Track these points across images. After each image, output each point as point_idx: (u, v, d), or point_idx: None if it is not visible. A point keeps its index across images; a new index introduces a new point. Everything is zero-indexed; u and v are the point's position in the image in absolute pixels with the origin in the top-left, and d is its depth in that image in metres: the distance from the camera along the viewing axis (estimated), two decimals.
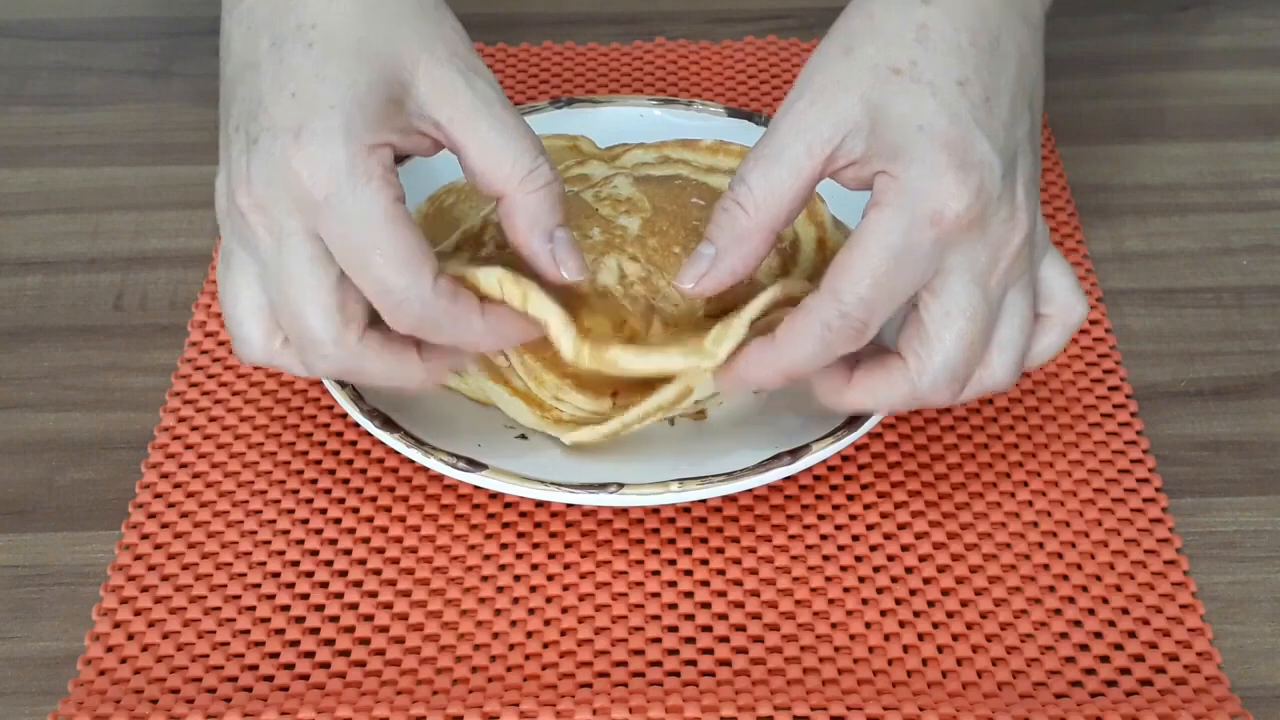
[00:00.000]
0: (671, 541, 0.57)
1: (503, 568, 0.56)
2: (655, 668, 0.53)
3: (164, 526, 0.57)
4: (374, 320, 0.51)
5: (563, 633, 0.54)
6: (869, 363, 0.52)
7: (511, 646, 0.53)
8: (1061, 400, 0.62)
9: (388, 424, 0.56)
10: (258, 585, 0.55)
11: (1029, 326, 0.52)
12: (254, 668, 0.53)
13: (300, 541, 0.57)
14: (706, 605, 0.55)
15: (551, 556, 0.56)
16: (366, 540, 0.57)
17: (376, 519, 0.58)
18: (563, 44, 0.83)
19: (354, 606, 0.55)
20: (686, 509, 0.58)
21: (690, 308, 0.57)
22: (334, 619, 0.54)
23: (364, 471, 0.59)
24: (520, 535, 0.57)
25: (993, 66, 0.49)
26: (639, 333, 0.56)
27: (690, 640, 0.54)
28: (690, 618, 0.54)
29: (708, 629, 0.54)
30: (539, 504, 0.58)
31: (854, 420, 0.56)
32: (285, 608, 0.55)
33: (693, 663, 0.53)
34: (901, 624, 0.54)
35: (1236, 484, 0.59)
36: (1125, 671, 0.53)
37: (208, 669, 0.53)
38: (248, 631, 0.54)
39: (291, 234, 0.49)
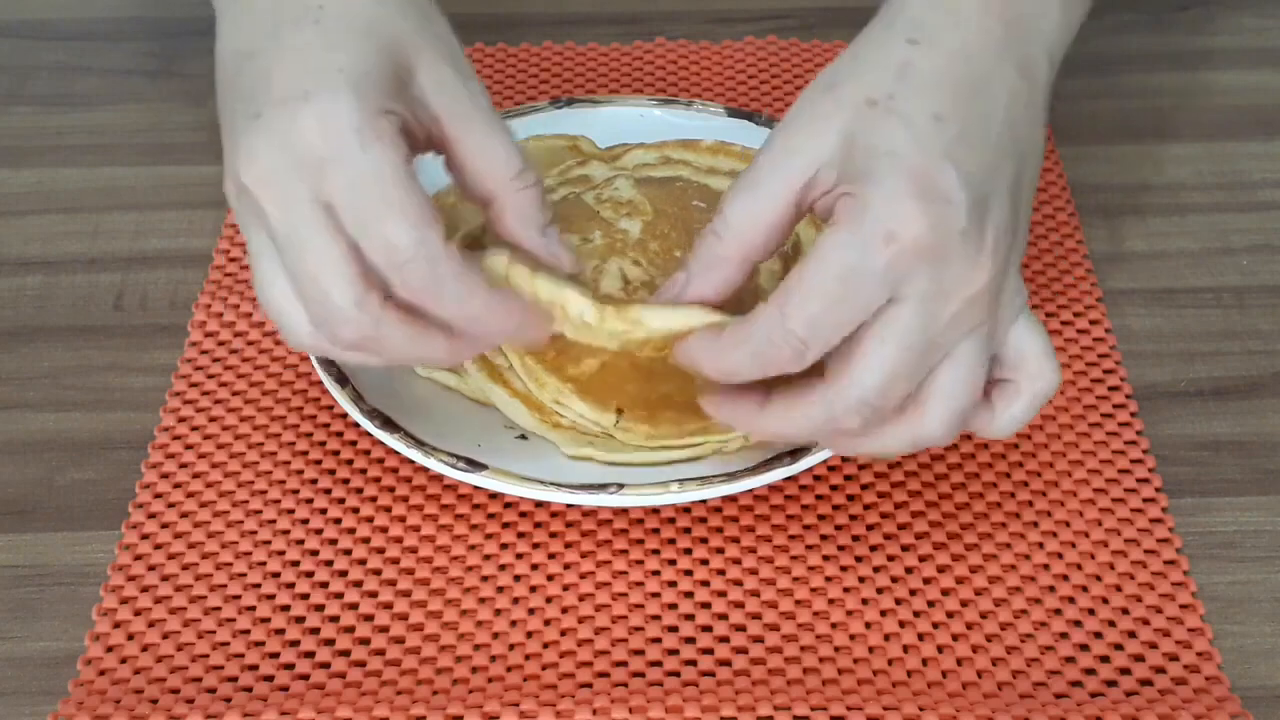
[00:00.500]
0: (671, 542, 0.57)
1: (503, 568, 0.56)
2: (655, 668, 0.53)
3: (164, 526, 0.57)
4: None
5: (563, 633, 0.54)
6: (792, 384, 0.49)
7: (511, 646, 0.53)
8: (1061, 400, 0.62)
9: (388, 424, 0.56)
10: (258, 585, 0.55)
11: (977, 382, 0.49)
12: (254, 668, 0.53)
13: (300, 541, 0.57)
14: (706, 605, 0.55)
15: (551, 556, 0.56)
16: (366, 540, 0.57)
17: (376, 519, 0.58)
18: (563, 44, 0.83)
19: (354, 606, 0.55)
20: (686, 509, 0.58)
21: None
22: (334, 619, 0.54)
23: (364, 471, 0.59)
24: (520, 535, 0.57)
25: (974, 108, 0.49)
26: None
27: (690, 640, 0.54)
28: (690, 618, 0.54)
29: (708, 629, 0.54)
30: (539, 504, 0.58)
31: None
32: (285, 608, 0.55)
33: (693, 663, 0.53)
34: (901, 624, 0.54)
35: (1236, 484, 0.59)
36: (1125, 671, 0.53)
37: (208, 669, 0.53)
38: (248, 631, 0.54)
39: (300, 202, 0.48)
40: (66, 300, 0.68)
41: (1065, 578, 0.55)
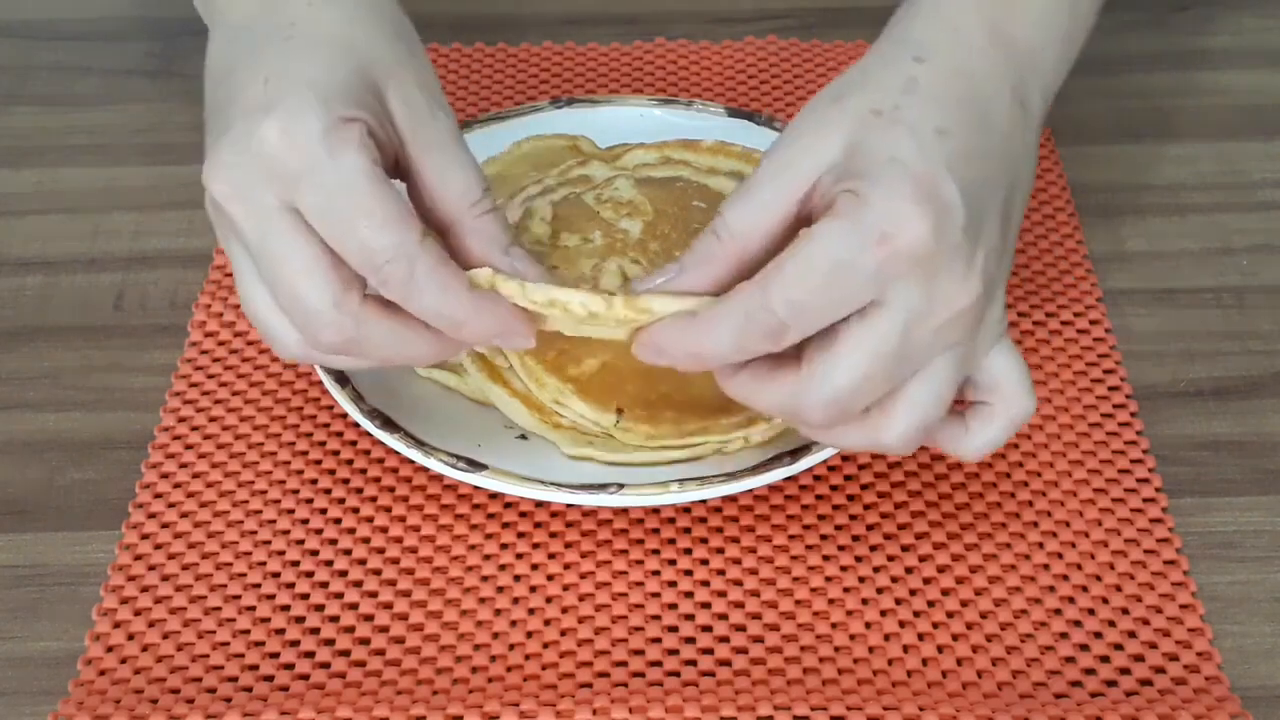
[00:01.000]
0: (671, 542, 0.57)
1: (503, 568, 0.56)
2: (655, 668, 0.53)
3: (164, 526, 0.57)
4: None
5: (563, 633, 0.54)
6: (768, 359, 0.50)
7: (511, 646, 0.53)
8: (1061, 400, 0.62)
9: (388, 424, 0.56)
10: (258, 585, 0.55)
11: (945, 400, 0.49)
12: (254, 668, 0.53)
13: (300, 541, 0.57)
14: (706, 605, 0.55)
15: (551, 556, 0.56)
16: (366, 540, 0.57)
17: (376, 519, 0.58)
18: (563, 44, 0.83)
19: (354, 606, 0.55)
20: (686, 509, 0.58)
21: None
22: (334, 619, 0.54)
23: (364, 471, 0.59)
24: (520, 535, 0.57)
25: (974, 127, 0.49)
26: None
27: (690, 640, 0.54)
28: (690, 618, 0.54)
29: (708, 629, 0.54)
30: (539, 504, 0.58)
31: None
32: (285, 608, 0.55)
33: (693, 663, 0.53)
34: (901, 624, 0.54)
35: (1236, 484, 0.59)
36: (1125, 671, 0.53)
37: (208, 669, 0.53)
38: (248, 631, 0.54)
39: (268, 210, 0.48)
40: (67, 300, 0.68)
41: (1065, 578, 0.55)
